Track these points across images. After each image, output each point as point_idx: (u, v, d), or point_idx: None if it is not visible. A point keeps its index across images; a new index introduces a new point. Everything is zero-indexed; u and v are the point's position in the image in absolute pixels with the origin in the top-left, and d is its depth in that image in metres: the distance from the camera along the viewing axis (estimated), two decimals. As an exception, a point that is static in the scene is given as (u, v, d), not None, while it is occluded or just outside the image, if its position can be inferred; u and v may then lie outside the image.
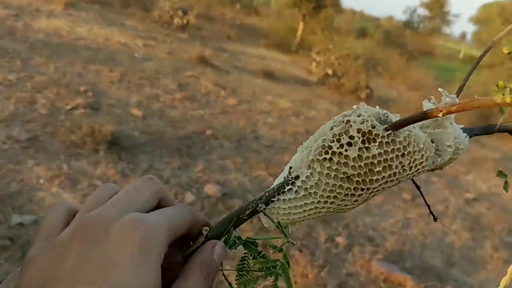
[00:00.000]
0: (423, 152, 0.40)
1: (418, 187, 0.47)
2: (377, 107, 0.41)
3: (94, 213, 0.35)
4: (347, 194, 0.40)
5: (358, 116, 0.39)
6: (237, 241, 0.43)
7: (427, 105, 0.41)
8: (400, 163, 0.39)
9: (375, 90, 8.97)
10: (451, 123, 0.42)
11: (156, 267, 0.32)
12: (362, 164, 0.38)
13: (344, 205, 0.41)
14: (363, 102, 0.42)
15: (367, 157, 0.38)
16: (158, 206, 0.39)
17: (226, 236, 0.42)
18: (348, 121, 0.39)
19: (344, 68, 8.46)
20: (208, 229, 0.41)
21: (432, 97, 0.42)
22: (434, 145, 0.41)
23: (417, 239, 3.48)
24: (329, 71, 8.48)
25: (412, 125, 0.39)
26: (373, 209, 3.84)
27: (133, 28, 8.89)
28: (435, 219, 0.48)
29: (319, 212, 0.41)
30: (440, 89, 0.41)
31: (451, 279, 3.08)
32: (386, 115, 0.40)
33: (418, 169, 0.40)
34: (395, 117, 0.40)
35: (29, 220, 2.43)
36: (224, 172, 3.71)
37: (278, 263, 0.42)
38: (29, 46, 5.64)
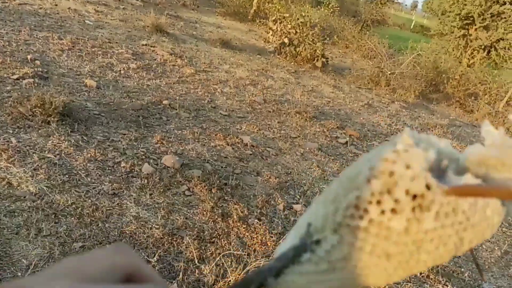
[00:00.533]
0: (490, 221, 0.30)
1: (471, 251, 0.35)
2: (433, 144, 0.30)
3: (14, 282, 0.28)
4: (384, 274, 0.30)
5: (407, 167, 0.28)
6: None
7: (486, 129, 0.31)
8: (460, 239, 0.29)
9: (330, 59, 9.05)
10: None
11: None
12: (409, 241, 0.28)
13: (374, 281, 0.31)
14: (409, 128, 0.30)
15: (417, 232, 0.28)
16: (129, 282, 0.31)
17: None
18: (392, 173, 0.28)
19: (301, 37, 8.46)
20: None
21: (502, 128, 0.31)
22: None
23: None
24: (286, 40, 8.46)
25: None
26: (329, 176, 3.94)
27: (82, -7, 8.46)
28: (483, 281, 0.40)
29: (344, 286, 0.32)
30: (511, 116, 0.31)
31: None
32: (441, 159, 0.30)
33: (478, 242, 0.30)
34: (446, 148, 0.31)
35: (-23, 196, 2.33)
36: (182, 142, 3.68)
37: None
38: (-32, 11, 5.28)
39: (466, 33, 10.78)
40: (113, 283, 0.29)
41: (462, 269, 3.13)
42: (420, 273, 2.92)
